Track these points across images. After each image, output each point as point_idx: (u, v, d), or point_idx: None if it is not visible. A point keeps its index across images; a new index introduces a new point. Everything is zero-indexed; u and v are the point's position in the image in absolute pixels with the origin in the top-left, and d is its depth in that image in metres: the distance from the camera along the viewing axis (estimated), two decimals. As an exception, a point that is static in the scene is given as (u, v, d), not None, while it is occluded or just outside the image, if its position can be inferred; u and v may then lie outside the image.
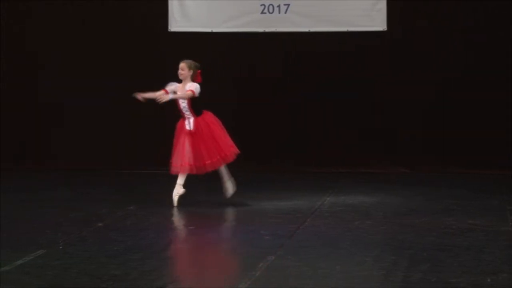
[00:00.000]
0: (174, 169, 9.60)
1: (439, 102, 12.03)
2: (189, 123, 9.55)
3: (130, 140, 12.34)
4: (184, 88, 9.50)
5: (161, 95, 9.47)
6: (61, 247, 7.71)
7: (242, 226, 8.76)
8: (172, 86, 9.59)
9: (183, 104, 9.51)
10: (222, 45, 12.26)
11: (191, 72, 9.50)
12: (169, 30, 12.26)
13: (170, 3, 12.23)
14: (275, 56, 12.26)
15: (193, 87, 9.46)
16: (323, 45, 12.15)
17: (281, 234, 8.19)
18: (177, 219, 9.16)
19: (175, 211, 9.45)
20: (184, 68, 9.49)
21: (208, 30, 12.20)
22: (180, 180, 9.57)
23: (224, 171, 9.75)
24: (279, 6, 12.09)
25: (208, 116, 9.64)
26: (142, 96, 9.60)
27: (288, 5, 12.06)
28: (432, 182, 11.28)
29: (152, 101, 9.58)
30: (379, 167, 12.06)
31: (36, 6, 12.39)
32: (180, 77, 9.53)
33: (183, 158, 9.50)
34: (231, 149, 9.67)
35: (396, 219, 8.95)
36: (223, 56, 12.29)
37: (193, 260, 7.47)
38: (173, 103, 9.59)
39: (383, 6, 11.94)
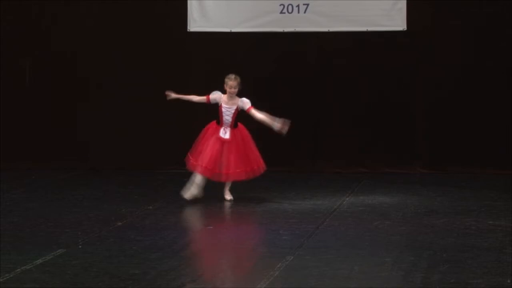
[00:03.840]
0: (194, 166, 9.61)
1: (461, 101, 11.97)
2: (225, 132, 9.67)
3: (149, 140, 12.36)
4: (232, 102, 9.65)
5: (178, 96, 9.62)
6: (80, 246, 7.74)
7: (261, 226, 8.76)
8: (216, 95, 9.75)
9: (227, 117, 9.68)
10: (241, 45, 12.26)
11: (239, 88, 9.72)
12: (188, 30, 12.27)
13: (189, 3, 12.24)
14: (294, 55, 12.24)
15: (249, 103, 9.68)
16: (343, 45, 12.13)
17: (300, 234, 8.18)
18: (196, 219, 9.17)
19: (194, 211, 9.45)
20: (236, 86, 9.69)
21: (227, 30, 12.20)
22: (199, 180, 9.58)
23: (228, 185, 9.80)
24: (298, 6, 12.07)
25: (242, 129, 9.80)
26: (175, 96, 9.68)
27: (308, 4, 12.04)
28: (452, 182, 11.22)
29: (178, 101, 9.71)
30: (398, 167, 12.02)
31: (57, 6, 12.44)
32: (233, 94, 9.68)
33: (209, 160, 9.54)
34: (259, 165, 9.70)
35: (415, 219, 8.92)
36: (242, 56, 12.28)
37: (212, 260, 7.48)
38: (216, 110, 9.70)
39: (403, 5, 11.90)
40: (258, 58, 12.29)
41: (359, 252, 7.51)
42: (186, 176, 9.88)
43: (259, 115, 9.72)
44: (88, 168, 12.26)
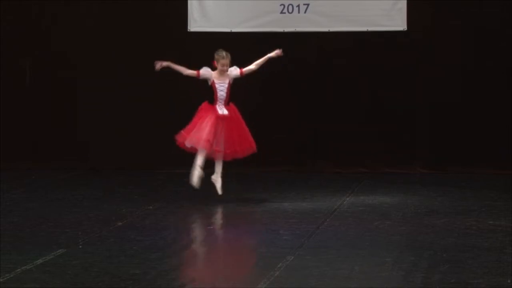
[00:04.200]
0: (186, 140, 9.55)
1: (461, 101, 11.97)
2: (222, 109, 9.63)
3: (149, 140, 12.34)
4: (225, 77, 9.63)
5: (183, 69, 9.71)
6: (81, 246, 7.74)
7: (261, 226, 8.75)
8: (206, 72, 9.73)
9: (221, 93, 9.61)
10: (241, 45, 12.25)
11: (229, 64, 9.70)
12: (188, 30, 12.27)
13: (189, 3, 12.23)
14: (295, 56, 12.23)
15: (237, 68, 9.67)
16: (343, 45, 12.12)
17: (301, 234, 8.18)
18: (196, 219, 9.17)
19: (194, 211, 9.45)
20: (228, 64, 9.68)
21: (227, 30, 12.19)
22: (200, 162, 9.53)
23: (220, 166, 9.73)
24: (298, 6, 12.07)
25: (234, 107, 9.79)
26: (166, 63, 9.63)
27: (308, 4, 12.04)
28: (452, 182, 11.22)
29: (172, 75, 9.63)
30: (399, 167, 12.01)
31: (57, 6, 12.43)
32: (223, 72, 9.67)
33: (209, 133, 9.51)
34: (252, 144, 9.70)
35: (416, 219, 8.92)
36: (242, 56, 12.27)
37: (212, 260, 7.47)
38: (210, 88, 9.62)
39: (403, 5, 11.90)
40: (258, 58, 12.27)
41: (360, 252, 7.51)
42: (186, 176, 9.87)
43: (253, 65, 9.71)
44: (88, 168, 12.25)
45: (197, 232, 8.86)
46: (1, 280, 6.48)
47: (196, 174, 9.61)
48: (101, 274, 6.81)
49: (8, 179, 11.38)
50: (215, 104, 9.69)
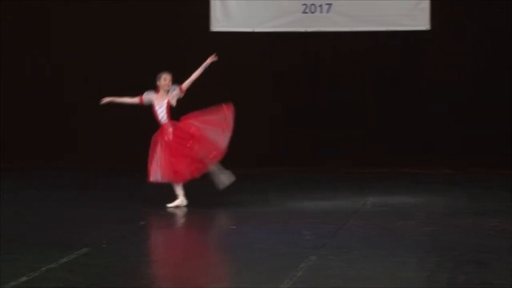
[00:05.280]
0: (154, 177, 9.42)
1: (485, 101, 11.91)
2: (169, 132, 9.46)
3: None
4: (164, 97, 9.47)
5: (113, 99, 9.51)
6: (104, 246, 7.77)
7: (284, 226, 8.74)
8: (149, 95, 9.55)
9: (162, 114, 9.48)
10: (263, 44, 12.26)
11: (171, 83, 9.52)
12: (210, 30, 12.28)
13: (212, 3, 12.26)
14: (316, 55, 12.23)
15: (176, 87, 9.49)
16: (365, 45, 12.10)
17: (323, 234, 8.16)
18: (219, 219, 9.17)
19: (216, 211, 9.45)
20: (169, 79, 9.51)
21: (250, 29, 12.20)
22: (180, 191, 9.44)
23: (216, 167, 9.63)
24: (321, 5, 12.06)
25: (186, 121, 9.51)
26: (108, 99, 9.55)
27: (330, 4, 12.03)
28: (477, 183, 11.16)
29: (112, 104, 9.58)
30: (422, 167, 11.97)
31: (76, 5, 12.48)
32: (164, 88, 9.49)
33: (155, 165, 9.38)
34: (215, 150, 9.55)
35: (440, 220, 8.88)
36: (264, 56, 12.29)
37: (235, 260, 7.47)
38: (150, 112, 9.52)
39: (426, 5, 11.86)
40: (280, 57, 12.28)
41: (383, 253, 7.48)
42: (206, 177, 9.86)
43: (192, 78, 9.51)
44: (108, 168, 12.29)
45: (220, 232, 8.86)
46: (27, 278, 6.52)
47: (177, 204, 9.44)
48: (124, 273, 6.82)
49: (22, 178, 11.44)
50: (162, 127, 9.47)
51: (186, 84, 9.57)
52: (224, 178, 9.60)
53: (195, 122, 9.50)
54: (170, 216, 9.11)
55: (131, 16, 12.42)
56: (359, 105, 12.21)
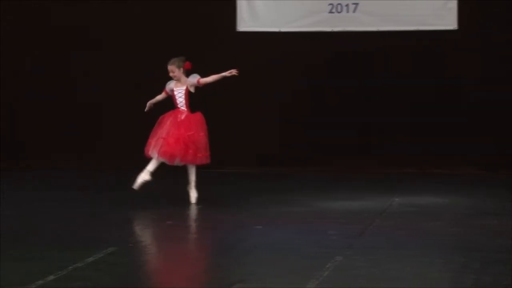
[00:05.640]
0: (150, 151, 9.52)
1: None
2: (182, 115, 9.60)
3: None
4: (183, 84, 9.62)
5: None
6: (131, 245, 7.80)
7: (309, 226, 8.73)
8: (169, 85, 9.73)
9: (180, 99, 9.65)
10: (290, 44, 12.26)
11: (181, 70, 9.65)
12: (237, 30, 12.30)
13: (238, 3, 12.27)
14: (342, 55, 12.21)
15: (196, 76, 9.59)
16: (392, 44, 12.06)
17: (349, 235, 8.15)
18: (244, 218, 9.17)
19: (242, 210, 9.46)
20: (174, 70, 9.65)
21: (276, 29, 12.21)
22: (151, 167, 9.51)
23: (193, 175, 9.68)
24: (347, 5, 12.04)
25: (198, 116, 9.67)
26: (150, 104, 9.65)
27: (357, 4, 12.00)
28: (504, 183, 11.08)
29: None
30: (450, 168, 11.91)
31: (103, 5, 12.55)
32: (174, 79, 9.67)
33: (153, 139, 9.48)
34: (203, 154, 9.63)
35: (466, 220, 8.83)
36: (291, 56, 12.28)
37: (260, 259, 7.47)
38: (170, 97, 9.68)
39: (454, 5, 11.81)
40: (306, 57, 12.28)
41: (409, 253, 7.45)
42: (233, 176, 9.90)
43: (210, 78, 9.65)
44: (126, 168, 12.32)
45: (245, 231, 8.87)
46: (54, 277, 6.56)
47: (142, 176, 9.50)
48: (151, 273, 6.85)
49: (41, 178, 11.51)
50: (177, 110, 9.65)
51: (205, 80, 9.68)
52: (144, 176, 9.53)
53: (203, 125, 9.64)
54: (196, 216, 9.13)
55: (157, 16, 12.46)
56: (385, 105, 12.17)
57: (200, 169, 12.04)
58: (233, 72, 9.63)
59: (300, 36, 12.17)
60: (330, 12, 12.08)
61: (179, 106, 9.67)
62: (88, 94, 12.61)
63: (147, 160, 11.76)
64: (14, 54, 12.60)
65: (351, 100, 12.23)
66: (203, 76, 9.66)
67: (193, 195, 9.67)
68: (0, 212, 9.16)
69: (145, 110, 9.74)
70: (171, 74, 9.68)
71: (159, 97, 9.80)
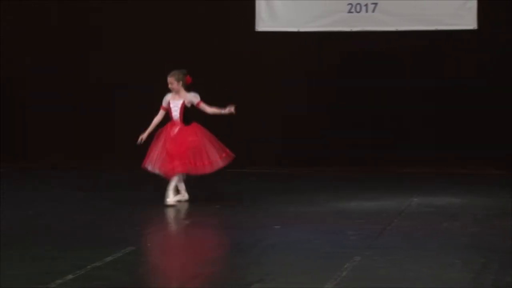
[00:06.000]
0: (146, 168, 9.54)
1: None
2: (175, 129, 9.58)
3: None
4: (181, 97, 9.57)
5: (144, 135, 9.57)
6: (149, 244, 7.82)
7: (327, 226, 8.73)
8: (167, 97, 9.66)
9: (175, 112, 9.61)
10: (309, 44, 12.25)
11: (180, 83, 9.62)
12: (256, 30, 12.30)
13: (257, 3, 12.27)
14: (361, 55, 12.18)
15: (198, 98, 9.58)
16: (411, 44, 12.03)
17: (368, 235, 8.13)
18: (263, 218, 9.18)
19: (260, 210, 9.47)
20: (173, 82, 9.61)
21: (295, 29, 12.20)
22: (171, 186, 9.51)
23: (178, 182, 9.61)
24: (366, 5, 12.01)
25: (195, 127, 9.64)
26: (142, 137, 9.63)
27: (376, 4, 11.97)
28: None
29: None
30: (469, 168, 11.86)
31: (120, 5, 12.57)
32: (173, 91, 9.63)
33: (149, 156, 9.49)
34: (204, 163, 9.59)
35: (486, 221, 8.79)
36: (310, 55, 12.28)
37: (279, 259, 7.47)
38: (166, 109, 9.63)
39: (473, 4, 11.76)
40: (325, 57, 12.26)
41: (428, 253, 7.43)
42: (252, 176, 9.90)
43: (208, 108, 9.62)
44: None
45: (264, 231, 8.87)
46: (72, 276, 6.59)
47: (169, 198, 9.51)
48: (169, 272, 6.87)
49: (60, 178, 11.55)
50: (172, 124, 9.62)
51: (204, 108, 9.63)
52: (172, 197, 9.51)
53: (200, 133, 9.60)
54: (214, 216, 9.14)
55: (174, 16, 12.47)
56: (404, 105, 12.13)
57: (221, 170, 12.07)
58: (232, 109, 9.55)
59: (319, 36, 12.15)
60: (349, 12, 12.06)
61: (173, 118, 9.62)
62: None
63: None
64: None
65: (370, 100, 12.20)
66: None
67: (171, 196, 9.50)
68: (16, 212, 9.21)
69: (137, 142, 9.60)
70: (170, 86, 9.62)
71: (156, 121, 9.67)
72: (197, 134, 9.62)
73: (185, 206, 9.59)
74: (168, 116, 9.74)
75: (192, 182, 11.32)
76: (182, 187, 9.65)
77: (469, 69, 11.97)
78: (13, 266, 6.90)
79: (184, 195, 9.65)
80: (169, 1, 12.52)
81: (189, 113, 9.66)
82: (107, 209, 9.48)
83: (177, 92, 9.63)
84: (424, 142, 12.07)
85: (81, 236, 8.10)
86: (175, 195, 9.55)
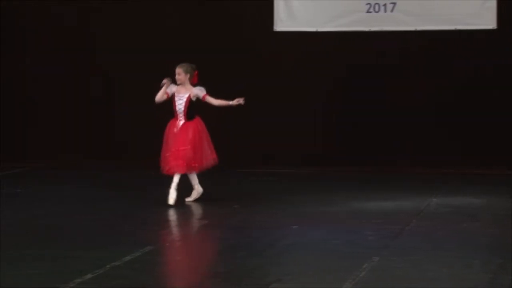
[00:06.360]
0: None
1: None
2: (178, 125, 9.52)
3: (232, 140, 12.36)
4: (187, 90, 9.49)
5: (167, 82, 9.44)
6: (167, 244, 7.83)
7: (346, 226, 8.72)
8: (172, 88, 9.55)
9: (180, 106, 9.52)
10: (327, 44, 12.23)
11: (188, 76, 9.55)
12: (274, 30, 12.30)
13: (275, 3, 12.27)
14: (380, 55, 12.15)
15: (204, 91, 9.51)
16: (430, 44, 11.99)
17: (386, 235, 8.12)
18: (281, 218, 9.18)
19: (278, 210, 9.47)
20: (180, 73, 9.53)
21: (313, 29, 12.19)
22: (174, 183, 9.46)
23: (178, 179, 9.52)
24: (385, 5, 11.98)
25: (198, 122, 9.57)
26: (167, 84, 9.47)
27: (395, 3, 11.94)
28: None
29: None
30: (488, 168, 11.80)
31: (141, 5, 12.60)
32: (178, 82, 9.55)
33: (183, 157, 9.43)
34: (201, 163, 9.54)
35: (505, 221, 8.75)
36: (328, 55, 12.26)
37: (297, 259, 7.47)
38: (169, 102, 9.57)
39: (492, 4, 11.70)
40: (344, 57, 12.24)
41: (447, 254, 7.41)
42: (269, 175, 9.89)
43: (215, 101, 9.55)
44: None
45: (282, 231, 8.87)
46: (91, 275, 6.62)
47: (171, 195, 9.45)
48: (187, 272, 6.88)
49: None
50: (176, 117, 9.55)
51: (210, 100, 9.58)
52: (175, 196, 9.45)
53: (201, 131, 9.54)
54: (232, 215, 9.15)
55: (193, 15, 12.49)
56: (423, 105, 12.09)
57: (239, 169, 12.09)
58: (240, 101, 9.52)
59: (337, 36, 12.13)
60: (368, 11, 12.04)
61: (177, 112, 9.54)
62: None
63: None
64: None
65: (388, 99, 12.17)
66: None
67: (173, 196, 9.44)
68: (34, 211, 9.25)
69: (164, 82, 9.45)
70: (176, 77, 9.55)
71: (159, 95, 9.52)
72: (199, 131, 9.53)
73: (202, 205, 9.59)
74: (170, 110, 9.58)
75: (210, 182, 11.35)
76: (195, 181, 9.56)
77: (488, 69, 11.92)
78: (33, 265, 6.94)
79: (198, 189, 9.60)
80: (188, 0, 12.54)
81: (194, 107, 9.55)
82: (124, 208, 9.50)
83: (182, 84, 9.52)
84: (444, 142, 12.02)
85: (99, 235, 8.13)
86: (190, 193, 9.50)
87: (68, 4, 12.66)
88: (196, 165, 9.53)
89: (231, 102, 9.56)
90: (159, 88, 9.59)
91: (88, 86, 12.75)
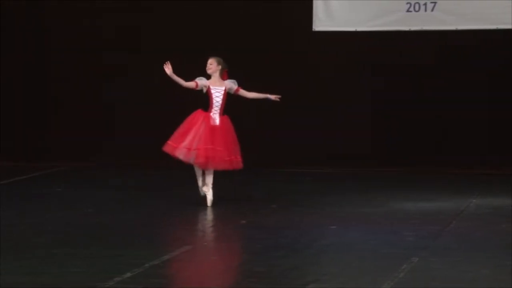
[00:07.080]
0: (174, 149, 9.32)
1: None
2: (215, 118, 9.38)
3: (274, 139, 12.37)
4: (221, 83, 9.39)
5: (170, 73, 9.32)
6: (205, 244, 7.86)
7: (384, 227, 8.68)
8: (203, 80, 9.43)
9: (217, 99, 9.39)
10: (366, 44, 12.18)
11: (219, 68, 9.42)
12: (313, 30, 12.27)
13: (314, 3, 12.24)
14: (420, 54, 12.08)
15: (236, 84, 9.45)
16: (471, 43, 11.88)
17: (425, 236, 8.07)
18: (320, 218, 9.16)
19: (316, 210, 9.45)
20: (212, 63, 9.41)
21: (352, 29, 12.14)
22: (200, 181, 9.39)
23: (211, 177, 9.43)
24: (425, 4, 11.90)
25: (228, 119, 9.50)
26: (171, 73, 9.33)
27: (435, 3, 11.86)
28: None
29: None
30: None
31: (183, 3, 12.63)
32: (208, 72, 9.43)
33: (191, 142, 9.26)
34: (238, 158, 9.44)
35: (546, 222, 8.65)
36: (367, 55, 12.21)
37: (335, 260, 7.45)
38: (206, 96, 9.41)
39: (535, 2, 11.57)
40: (384, 57, 12.18)
41: (486, 255, 7.35)
42: (307, 176, 9.86)
43: (249, 94, 9.49)
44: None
45: (320, 231, 8.85)
46: (130, 274, 6.66)
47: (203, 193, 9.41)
48: (225, 272, 6.89)
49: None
50: (210, 111, 9.40)
51: (244, 93, 9.53)
52: (209, 195, 9.39)
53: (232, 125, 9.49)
54: (270, 215, 9.15)
55: (232, 16, 12.50)
56: (463, 105, 11.99)
57: (277, 169, 12.09)
58: (278, 97, 9.48)
59: (376, 36, 12.07)
60: (408, 11, 11.96)
61: (214, 105, 9.38)
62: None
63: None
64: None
65: (430, 100, 12.08)
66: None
67: (209, 197, 9.37)
68: (72, 211, 9.31)
69: (166, 65, 9.31)
70: (208, 67, 9.40)
71: (183, 83, 9.37)
72: (232, 128, 9.50)
73: (240, 205, 9.61)
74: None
75: (248, 182, 11.36)
76: (209, 180, 9.43)
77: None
78: (73, 264, 7.00)
79: (209, 190, 9.43)
80: (227, 1, 12.56)
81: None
82: (160, 208, 9.53)
83: (213, 75, 9.40)
84: (485, 142, 11.91)
85: (138, 234, 8.18)
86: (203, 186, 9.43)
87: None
88: (235, 159, 9.49)
89: (268, 95, 9.53)
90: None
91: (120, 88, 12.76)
